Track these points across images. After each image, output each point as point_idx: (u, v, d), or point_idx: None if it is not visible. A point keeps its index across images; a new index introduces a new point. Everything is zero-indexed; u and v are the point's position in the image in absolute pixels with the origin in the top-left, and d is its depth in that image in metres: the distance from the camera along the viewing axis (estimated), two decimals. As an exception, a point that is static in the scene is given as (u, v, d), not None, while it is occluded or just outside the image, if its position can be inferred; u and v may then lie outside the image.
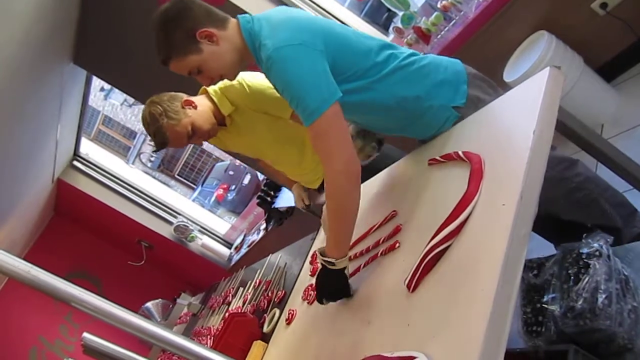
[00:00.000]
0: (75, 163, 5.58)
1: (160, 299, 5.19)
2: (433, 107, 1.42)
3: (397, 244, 1.31)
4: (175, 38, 1.37)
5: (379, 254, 1.36)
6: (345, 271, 1.34)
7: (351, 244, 1.57)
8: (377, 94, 1.39)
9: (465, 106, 1.43)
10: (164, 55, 1.41)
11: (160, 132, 1.93)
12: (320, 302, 1.42)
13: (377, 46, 1.41)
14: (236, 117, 2.02)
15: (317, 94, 1.25)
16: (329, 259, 1.32)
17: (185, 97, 1.97)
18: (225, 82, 1.94)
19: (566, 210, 1.51)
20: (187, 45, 1.37)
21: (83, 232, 6.35)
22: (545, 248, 1.60)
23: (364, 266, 1.41)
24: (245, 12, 2.97)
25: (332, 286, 1.37)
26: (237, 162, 6.84)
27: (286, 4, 3.13)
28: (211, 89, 1.98)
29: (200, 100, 1.99)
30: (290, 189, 2.32)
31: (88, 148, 5.96)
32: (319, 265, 1.39)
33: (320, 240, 2.00)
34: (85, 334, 1.53)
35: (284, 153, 2.13)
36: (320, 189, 2.20)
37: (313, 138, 1.30)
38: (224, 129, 2.07)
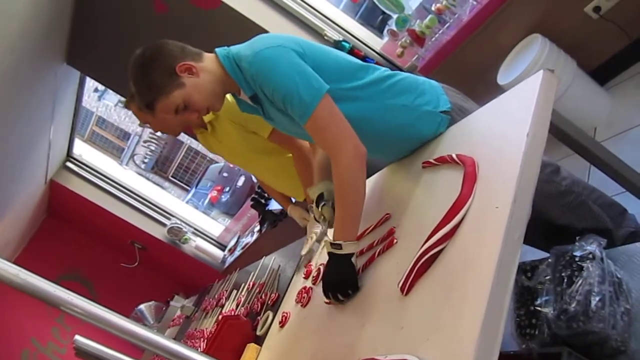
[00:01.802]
0: (69, 164, 5.54)
1: (153, 301, 5.16)
2: (423, 115, 1.44)
3: (395, 240, 1.31)
4: (156, 78, 1.38)
5: (375, 256, 1.35)
6: (353, 259, 1.31)
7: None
8: (366, 105, 1.41)
9: (452, 110, 1.45)
10: (148, 98, 1.41)
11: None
12: (327, 297, 1.35)
13: (354, 59, 1.48)
14: (216, 125, 2.06)
15: (308, 86, 1.28)
16: (336, 242, 1.30)
17: None
18: None
19: (559, 214, 1.51)
20: (169, 82, 1.37)
21: (76, 234, 6.30)
22: (538, 251, 1.61)
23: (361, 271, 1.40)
24: (240, 14, 3.01)
25: (339, 274, 1.32)
26: (232, 164, 6.84)
27: (280, 5, 3.13)
28: None
29: None
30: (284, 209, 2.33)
31: (81, 149, 5.92)
32: (326, 257, 1.35)
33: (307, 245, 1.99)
34: (77, 337, 1.51)
35: (261, 163, 2.15)
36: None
37: (316, 131, 1.32)
38: (207, 133, 2.11)
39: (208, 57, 1.44)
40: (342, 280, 1.32)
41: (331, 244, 1.30)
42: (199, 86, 1.39)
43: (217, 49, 1.44)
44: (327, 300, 1.39)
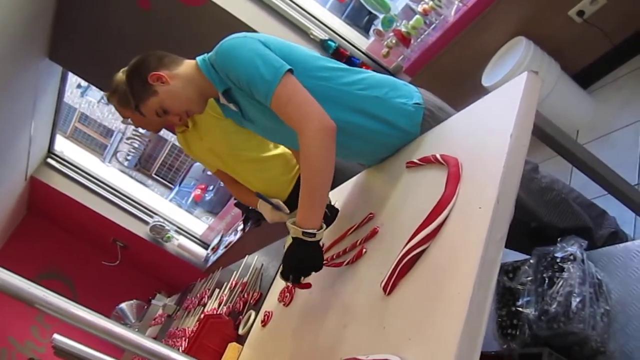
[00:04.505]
0: (50, 161, 5.47)
1: (134, 300, 5.12)
2: (396, 106, 1.44)
3: (364, 250, 1.31)
4: (135, 88, 1.54)
5: (356, 257, 1.35)
6: (321, 243, 1.30)
7: (328, 245, 1.57)
8: (337, 96, 1.41)
9: (426, 103, 1.47)
10: (133, 104, 1.57)
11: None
12: (286, 279, 1.32)
13: (323, 56, 1.51)
14: (198, 120, 2.06)
15: (269, 66, 1.31)
16: (309, 230, 1.25)
17: None
18: None
19: (541, 210, 1.52)
20: (144, 90, 1.51)
21: (57, 232, 6.23)
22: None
23: (342, 265, 1.40)
24: (226, 12, 2.98)
25: (310, 260, 1.29)
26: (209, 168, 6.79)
27: (266, 4, 3.12)
28: None
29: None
30: (254, 208, 2.29)
31: (63, 146, 5.84)
32: (291, 239, 1.31)
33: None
34: (56, 335, 1.49)
35: (242, 160, 2.13)
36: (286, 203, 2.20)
37: (280, 108, 1.31)
38: (188, 131, 2.09)
39: (187, 63, 1.52)
40: (313, 266, 1.30)
41: (303, 232, 1.26)
42: (171, 92, 1.49)
43: (197, 57, 1.52)
44: (287, 282, 1.35)
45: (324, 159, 1.26)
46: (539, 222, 1.53)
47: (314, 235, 1.26)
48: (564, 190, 1.57)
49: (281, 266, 1.34)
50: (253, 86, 1.33)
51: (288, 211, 1.96)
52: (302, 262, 1.30)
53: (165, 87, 1.49)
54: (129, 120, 2.07)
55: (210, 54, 1.47)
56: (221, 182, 7.08)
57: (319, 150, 1.26)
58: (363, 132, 1.46)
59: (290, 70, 1.31)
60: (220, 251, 5.12)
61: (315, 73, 1.41)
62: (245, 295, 2.21)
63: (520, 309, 1.32)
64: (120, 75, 2.00)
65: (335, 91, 1.41)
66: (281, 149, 2.18)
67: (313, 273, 1.31)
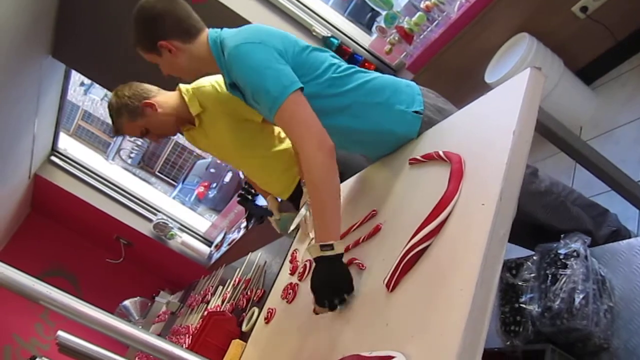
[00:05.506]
0: (53, 159, 5.48)
1: (138, 297, 5.13)
2: (396, 113, 1.46)
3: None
4: (143, 37, 1.56)
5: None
6: (343, 258, 1.23)
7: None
8: (341, 101, 1.44)
9: (426, 110, 1.47)
10: (133, 41, 1.60)
11: (118, 122, 2.04)
12: (323, 305, 1.23)
13: (331, 57, 1.51)
14: (204, 118, 2.06)
15: (277, 82, 1.30)
16: (326, 243, 1.20)
17: (148, 98, 2.00)
18: (198, 83, 2.01)
19: (541, 214, 1.52)
20: (149, 46, 1.56)
21: (60, 229, 6.24)
22: (523, 248, 1.61)
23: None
24: (228, 9, 2.98)
25: (337, 279, 1.22)
26: (218, 159, 6.79)
27: (269, 1, 3.11)
28: (184, 87, 2.03)
29: (168, 99, 2.03)
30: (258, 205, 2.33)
31: (67, 143, 5.85)
32: (312, 262, 1.26)
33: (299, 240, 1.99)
34: (60, 332, 1.49)
35: (247, 157, 2.14)
36: (291, 199, 2.21)
37: (283, 126, 1.34)
38: (194, 129, 2.09)
39: (200, 40, 1.54)
40: (340, 284, 1.22)
41: (321, 246, 1.20)
42: (172, 63, 1.56)
43: (210, 30, 1.53)
44: (319, 310, 1.26)
45: (325, 177, 1.27)
46: (537, 225, 1.53)
47: (332, 247, 1.20)
48: (563, 193, 1.57)
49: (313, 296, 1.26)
50: (257, 98, 1.35)
51: (278, 217, 2.12)
52: (329, 283, 1.22)
53: (170, 57, 1.54)
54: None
55: (223, 36, 1.48)
56: (224, 180, 7.05)
57: (319, 169, 1.26)
58: (361, 135, 1.50)
59: (300, 88, 1.31)
60: (224, 248, 5.13)
61: (324, 81, 1.43)
62: (249, 293, 2.21)
63: (523, 305, 1.32)
64: (115, 99, 2.01)
65: (338, 97, 1.44)
66: (286, 144, 2.18)
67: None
